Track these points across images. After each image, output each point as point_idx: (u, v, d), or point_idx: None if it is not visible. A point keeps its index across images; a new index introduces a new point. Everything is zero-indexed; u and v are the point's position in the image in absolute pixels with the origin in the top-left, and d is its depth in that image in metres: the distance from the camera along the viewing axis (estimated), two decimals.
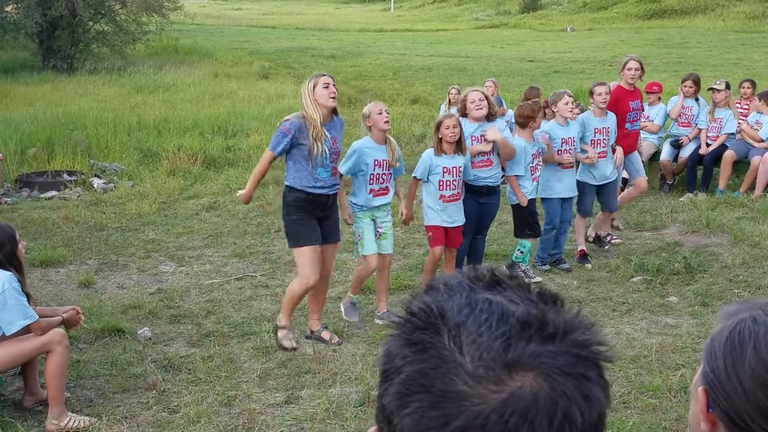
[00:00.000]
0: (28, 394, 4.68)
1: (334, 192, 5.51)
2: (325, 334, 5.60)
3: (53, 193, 9.54)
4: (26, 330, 4.39)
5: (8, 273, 4.35)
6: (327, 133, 5.28)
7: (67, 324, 4.77)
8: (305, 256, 5.37)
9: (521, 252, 6.84)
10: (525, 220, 6.78)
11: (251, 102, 15.34)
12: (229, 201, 9.24)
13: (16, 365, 4.62)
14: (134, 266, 7.20)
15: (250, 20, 44.87)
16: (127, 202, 9.09)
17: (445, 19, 47.16)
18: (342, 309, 5.90)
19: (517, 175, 6.66)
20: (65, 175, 10.02)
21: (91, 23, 21.79)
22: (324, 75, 5.37)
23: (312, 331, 5.64)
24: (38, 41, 21.20)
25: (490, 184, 6.35)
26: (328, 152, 5.30)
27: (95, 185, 9.80)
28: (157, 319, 5.97)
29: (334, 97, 5.31)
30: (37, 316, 4.39)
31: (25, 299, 4.38)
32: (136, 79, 18.15)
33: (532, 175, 6.75)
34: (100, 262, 7.28)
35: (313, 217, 5.40)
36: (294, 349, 5.42)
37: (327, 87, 5.27)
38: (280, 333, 5.48)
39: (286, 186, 5.41)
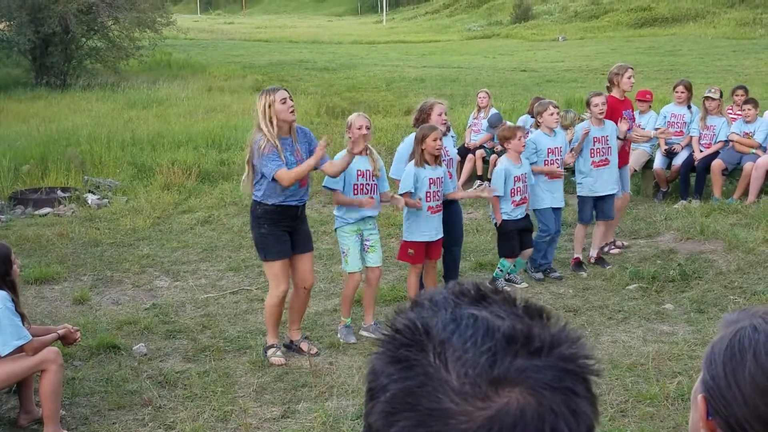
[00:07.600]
0: (23, 413, 4.66)
1: (303, 203, 5.53)
2: (304, 345, 5.66)
3: (47, 209, 9.51)
4: (20, 349, 4.37)
5: (2, 293, 4.34)
6: (280, 144, 5.25)
7: (64, 341, 4.75)
8: (274, 269, 5.43)
9: (501, 270, 6.91)
10: (502, 240, 6.85)
11: (245, 115, 15.28)
12: (223, 215, 9.23)
13: (11, 384, 4.61)
14: (129, 282, 7.18)
15: (243, 34, 44.92)
16: (122, 218, 9.07)
17: (438, 31, 47.29)
18: (339, 335, 5.92)
19: (498, 197, 6.71)
20: (59, 192, 10.00)
21: (84, 39, 21.75)
22: (278, 89, 5.35)
23: (291, 341, 5.70)
24: (31, 58, 21.15)
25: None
26: (289, 162, 5.29)
27: (89, 201, 9.77)
28: (152, 335, 5.95)
29: (293, 111, 5.31)
30: (31, 337, 4.38)
31: (20, 320, 4.37)
32: (130, 95, 18.13)
33: (513, 197, 6.73)
34: (95, 278, 7.26)
35: (283, 229, 5.41)
36: (284, 364, 5.45)
37: (285, 102, 5.27)
38: (269, 352, 5.53)
39: (254, 200, 5.42)
